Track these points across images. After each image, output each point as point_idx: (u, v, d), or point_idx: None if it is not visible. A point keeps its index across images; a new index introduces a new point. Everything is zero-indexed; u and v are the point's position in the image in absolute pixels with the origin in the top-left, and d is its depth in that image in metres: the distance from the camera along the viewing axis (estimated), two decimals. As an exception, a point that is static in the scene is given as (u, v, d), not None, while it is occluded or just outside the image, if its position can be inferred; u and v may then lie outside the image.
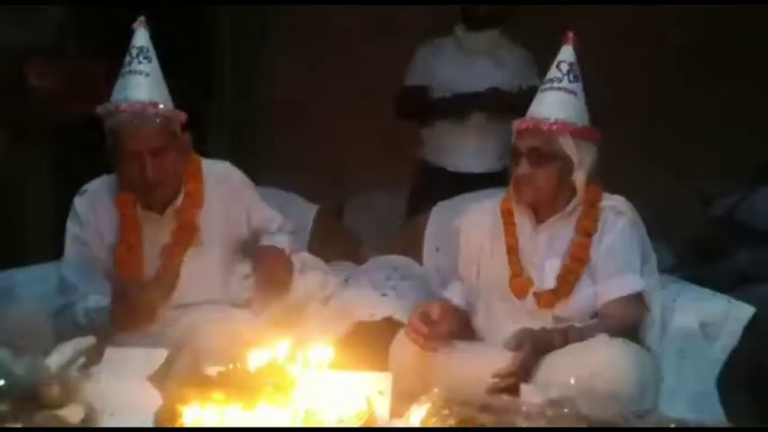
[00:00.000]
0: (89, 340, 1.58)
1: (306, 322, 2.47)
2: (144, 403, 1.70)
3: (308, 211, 3.02)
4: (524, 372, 2.15)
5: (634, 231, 2.38)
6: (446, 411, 1.64)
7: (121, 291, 2.31)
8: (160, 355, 1.86)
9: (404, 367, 2.21)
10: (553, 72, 2.45)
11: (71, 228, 2.54)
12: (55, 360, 1.70)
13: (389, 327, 2.43)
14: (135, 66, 2.44)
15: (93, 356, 1.77)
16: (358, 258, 3.01)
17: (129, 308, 2.27)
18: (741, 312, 2.45)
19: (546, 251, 2.38)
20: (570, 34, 2.47)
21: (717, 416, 2.30)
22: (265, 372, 1.74)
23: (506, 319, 2.32)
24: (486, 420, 1.62)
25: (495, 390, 2.05)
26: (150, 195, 2.46)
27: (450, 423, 1.61)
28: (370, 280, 2.66)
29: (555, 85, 2.43)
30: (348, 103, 4.13)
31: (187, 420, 1.56)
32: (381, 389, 1.87)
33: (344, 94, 4.14)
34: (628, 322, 2.29)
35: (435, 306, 2.31)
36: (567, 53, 2.46)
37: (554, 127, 2.35)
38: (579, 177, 2.36)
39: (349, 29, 4.22)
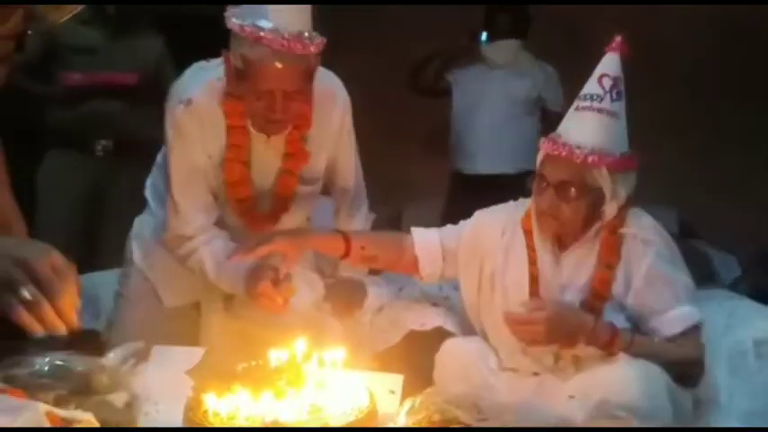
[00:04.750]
0: (139, 345, 1.88)
1: (360, 330, 2.58)
2: (181, 393, 1.94)
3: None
4: (542, 334, 2.07)
5: (669, 257, 2.20)
6: (433, 407, 1.76)
7: (257, 279, 2.21)
8: (199, 352, 2.11)
9: (449, 375, 2.25)
10: (592, 87, 2.10)
11: (176, 146, 2.27)
12: (110, 359, 1.98)
13: (440, 335, 2.52)
14: None
15: (144, 355, 2.05)
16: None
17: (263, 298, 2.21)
18: (798, 331, 2.37)
19: (568, 278, 2.22)
20: (618, 39, 2.11)
21: (769, 436, 2.25)
22: (283, 369, 1.94)
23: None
24: (469, 420, 1.73)
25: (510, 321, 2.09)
26: (269, 129, 2.27)
27: (435, 419, 1.74)
28: (423, 290, 2.76)
29: (594, 104, 2.09)
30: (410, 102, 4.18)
31: (209, 407, 1.80)
32: (393, 388, 1.99)
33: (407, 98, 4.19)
34: (692, 356, 2.15)
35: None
36: (611, 64, 2.11)
37: (590, 159, 2.05)
38: (610, 209, 2.14)
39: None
